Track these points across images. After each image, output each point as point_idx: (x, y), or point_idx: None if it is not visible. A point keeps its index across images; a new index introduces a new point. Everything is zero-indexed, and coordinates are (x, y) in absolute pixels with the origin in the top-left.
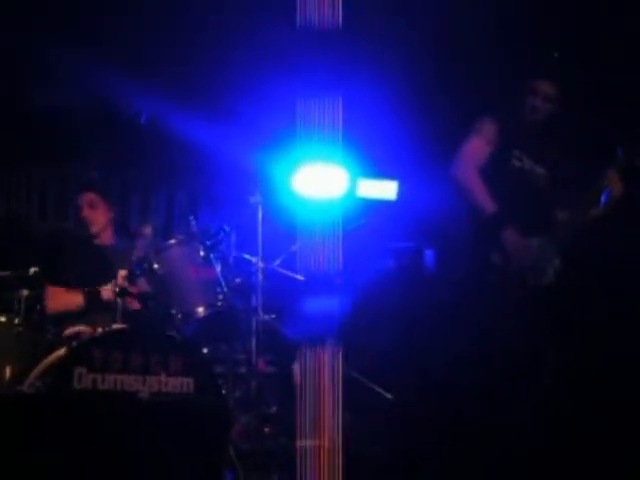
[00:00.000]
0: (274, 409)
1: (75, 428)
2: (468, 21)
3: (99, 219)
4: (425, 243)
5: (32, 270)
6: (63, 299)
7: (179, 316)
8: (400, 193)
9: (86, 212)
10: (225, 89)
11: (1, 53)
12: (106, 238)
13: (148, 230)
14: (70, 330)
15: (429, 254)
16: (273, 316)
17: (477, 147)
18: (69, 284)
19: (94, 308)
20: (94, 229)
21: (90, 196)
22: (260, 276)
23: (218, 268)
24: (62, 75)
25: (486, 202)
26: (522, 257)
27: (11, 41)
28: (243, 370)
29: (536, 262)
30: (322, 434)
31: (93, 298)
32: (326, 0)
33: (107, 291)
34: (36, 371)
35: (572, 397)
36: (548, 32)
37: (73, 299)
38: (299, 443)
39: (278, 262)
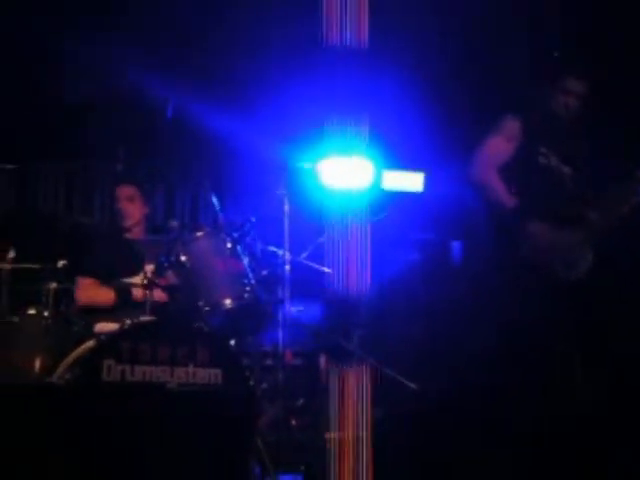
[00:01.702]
0: (301, 401)
1: (104, 419)
2: (494, 15)
3: (135, 213)
4: (451, 235)
5: (60, 263)
6: (95, 293)
7: (206, 308)
8: (426, 185)
9: (123, 205)
10: (252, 82)
11: (30, 47)
12: (137, 232)
13: (175, 223)
14: (100, 327)
15: (455, 246)
16: (300, 308)
17: (497, 146)
18: (98, 277)
19: (124, 305)
20: (128, 222)
21: (129, 189)
22: (287, 268)
23: (245, 260)
24: (88, 68)
25: (505, 197)
26: (552, 250)
27: (40, 35)
28: (270, 362)
29: (567, 255)
30: (349, 426)
31: (124, 296)
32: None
33: (138, 291)
34: (65, 363)
35: (599, 392)
36: (577, 28)
37: (105, 295)
38: (327, 435)
39: (305, 254)
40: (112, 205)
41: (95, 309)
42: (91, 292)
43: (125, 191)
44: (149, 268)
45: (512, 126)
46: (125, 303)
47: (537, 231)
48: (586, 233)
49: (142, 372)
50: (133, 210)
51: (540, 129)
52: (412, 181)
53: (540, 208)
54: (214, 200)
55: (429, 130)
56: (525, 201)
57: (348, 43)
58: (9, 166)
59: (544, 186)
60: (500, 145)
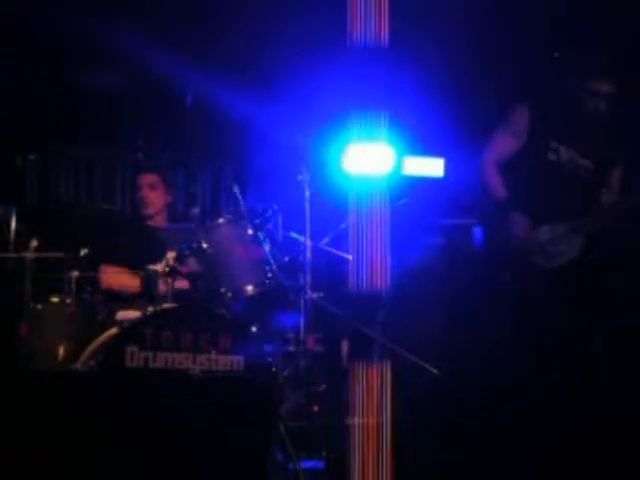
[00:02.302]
0: (323, 387)
1: (127, 405)
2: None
3: (157, 201)
4: (473, 220)
5: (83, 251)
6: (122, 279)
7: (228, 295)
8: (447, 170)
9: (146, 193)
10: (274, 68)
11: (49, 34)
12: (160, 221)
13: (196, 211)
14: (122, 314)
15: (477, 231)
16: (322, 294)
17: (502, 143)
18: (120, 264)
19: (149, 294)
20: (150, 210)
21: (152, 177)
22: (308, 254)
23: (266, 247)
24: (108, 55)
25: (497, 190)
26: (525, 239)
27: (60, 22)
28: (292, 348)
29: (543, 246)
30: (370, 411)
31: (150, 284)
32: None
33: (162, 284)
34: (89, 350)
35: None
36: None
37: (131, 281)
38: (348, 421)
39: (326, 240)
40: (134, 193)
41: (119, 295)
42: (118, 278)
43: (147, 179)
44: (171, 255)
45: (520, 119)
46: (151, 291)
47: (515, 220)
48: (581, 224)
49: (165, 359)
50: (155, 198)
51: (552, 121)
52: (433, 166)
53: (531, 200)
54: (235, 187)
55: (450, 115)
56: (513, 194)
57: (370, 34)
58: (31, 156)
59: (550, 181)
60: (506, 142)
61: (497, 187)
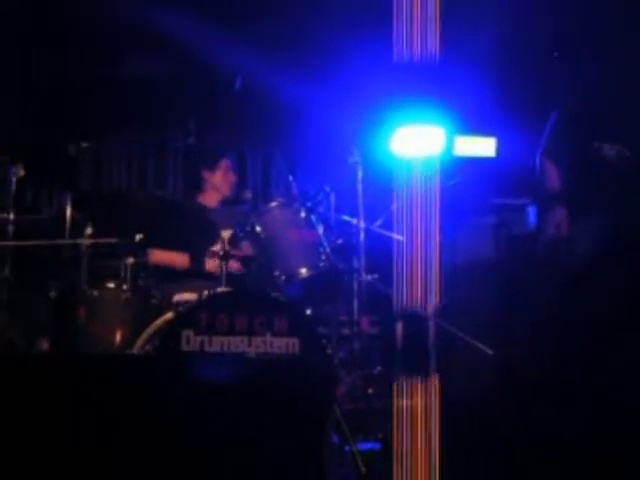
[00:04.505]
0: (378, 369)
1: (184, 389)
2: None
3: (234, 184)
4: (527, 200)
5: (137, 237)
6: (169, 255)
7: (282, 278)
8: (499, 150)
9: (229, 176)
10: (323, 50)
11: (93, 20)
12: (212, 202)
13: (249, 194)
14: (178, 298)
15: (532, 211)
16: (375, 276)
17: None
18: (174, 248)
19: (198, 273)
20: (232, 194)
21: (228, 161)
22: (361, 236)
23: (319, 229)
24: (157, 40)
25: (554, 180)
26: (559, 230)
27: (108, 6)
28: (346, 331)
29: (570, 238)
30: (420, 393)
31: (198, 261)
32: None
33: (211, 263)
34: (145, 335)
35: None
36: None
37: (179, 258)
38: (397, 402)
39: (379, 222)
40: (209, 176)
41: (169, 272)
42: (165, 254)
43: (227, 163)
44: (226, 234)
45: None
46: (199, 269)
47: (556, 212)
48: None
49: (220, 342)
50: (233, 180)
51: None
52: (484, 146)
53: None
54: (287, 170)
55: (500, 95)
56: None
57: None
58: (84, 143)
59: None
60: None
61: (554, 178)
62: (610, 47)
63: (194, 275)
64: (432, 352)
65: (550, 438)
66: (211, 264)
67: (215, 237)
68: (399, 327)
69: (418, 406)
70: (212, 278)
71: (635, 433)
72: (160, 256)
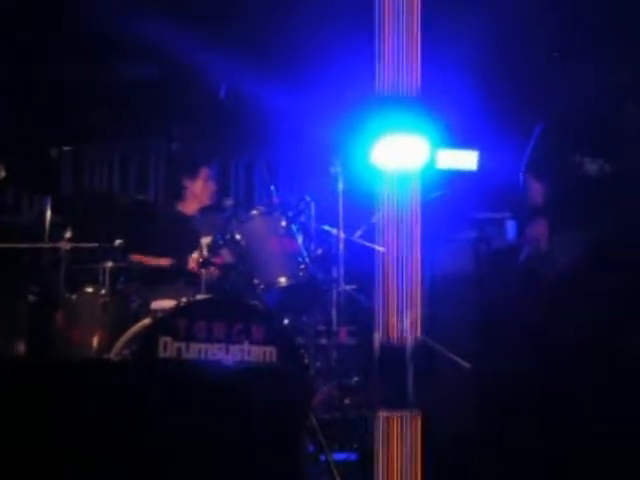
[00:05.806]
0: (355, 379)
1: (160, 396)
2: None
3: (213, 192)
4: (507, 214)
5: (117, 242)
6: (150, 260)
7: (261, 286)
8: (481, 163)
9: (209, 185)
10: (304, 59)
11: (78, 25)
12: (192, 209)
13: (229, 202)
14: (156, 304)
15: (511, 225)
16: (354, 287)
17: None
18: (154, 253)
19: (179, 277)
20: (210, 202)
21: (208, 170)
22: (341, 247)
23: (299, 239)
24: (141, 47)
25: (537, 196)
26: (539, 245)
27: (92, 14)
28: (324, 341)
29: (549, 252)
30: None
31: (179, 261)
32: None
33: (192, 260)
34: (122, 340)
35: None
36: None
37: (161, 261)
38: (379, 413)
39: (359, 233)
40: (177, 183)
41: (149, 276)
42: (146, 259)
43: (207, 172)
44: (205, 241)
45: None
46: (180, 270)
47: (535, 225)
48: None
49: (198, 349)
50: (212, 189)
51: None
52: (466, 160)
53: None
54: (268, 179)
55: (483, 108)
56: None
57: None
58: (65, 147)
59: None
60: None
61: (537, 193)
62: (592, 62)
63: (176, 274)
64: (410, 364)
65: (521, 454)
66: (192, 265)
67: (195, 244)
68: (377, 338)
69: (395, 417)
70: (194, 277)
71: (615, 448)
72: (142, 259)
